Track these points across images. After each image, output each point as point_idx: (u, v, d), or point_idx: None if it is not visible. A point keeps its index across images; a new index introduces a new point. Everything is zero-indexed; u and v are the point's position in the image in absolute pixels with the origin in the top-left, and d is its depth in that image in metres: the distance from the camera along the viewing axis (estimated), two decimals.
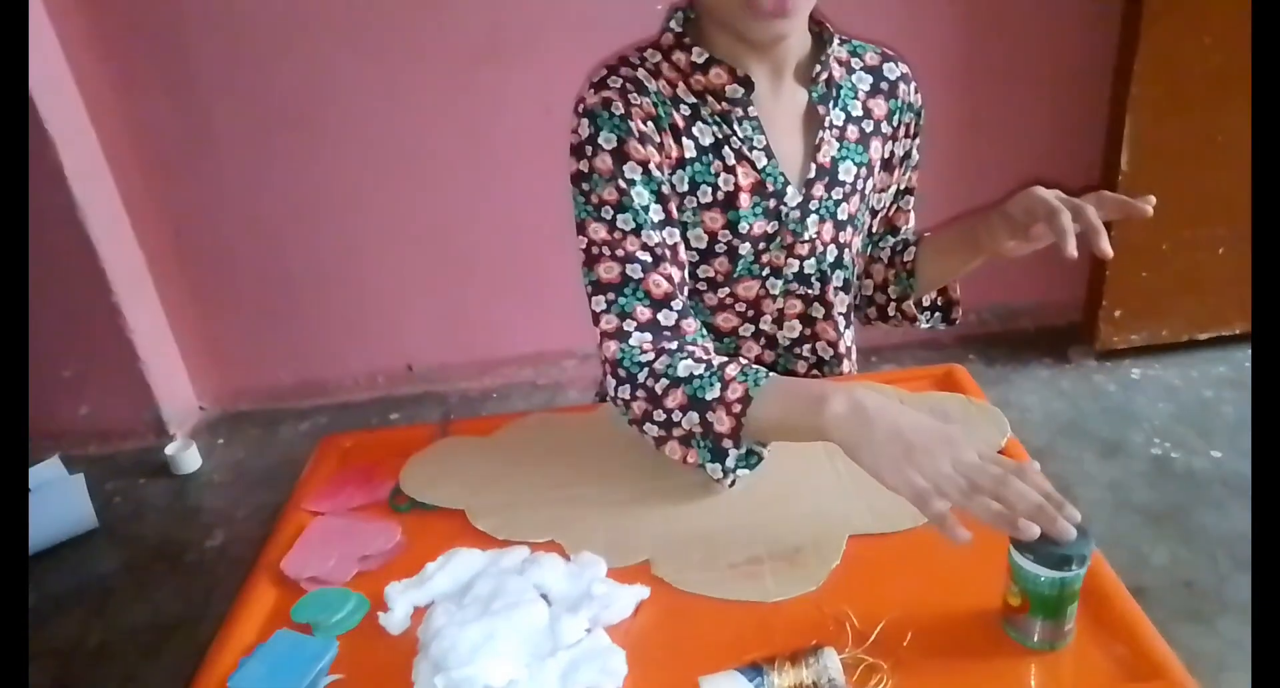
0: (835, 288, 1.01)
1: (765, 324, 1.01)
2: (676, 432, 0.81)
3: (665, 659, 0.67)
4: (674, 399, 0.80)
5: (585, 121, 0.87)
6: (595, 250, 0.86)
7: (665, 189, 0.88)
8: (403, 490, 0.88)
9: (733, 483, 0.83)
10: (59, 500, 1.98)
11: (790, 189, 0.92)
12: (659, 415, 0.81)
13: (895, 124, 1.00)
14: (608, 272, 0.86)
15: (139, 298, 2.21)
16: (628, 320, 0.85)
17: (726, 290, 0.96)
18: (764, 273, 0.96)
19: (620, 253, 0.85)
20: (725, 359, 0.83)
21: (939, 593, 0.70)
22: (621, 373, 0.84)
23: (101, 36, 2.03)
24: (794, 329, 1.02)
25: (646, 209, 0.86)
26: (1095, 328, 2.29)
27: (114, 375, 2.20)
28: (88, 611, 1.77)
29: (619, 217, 0.85)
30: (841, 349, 1.05)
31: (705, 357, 0.84)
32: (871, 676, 0.62)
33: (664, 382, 0.81)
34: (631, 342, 0.85)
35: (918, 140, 1.03)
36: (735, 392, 0.77)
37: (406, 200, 2.22)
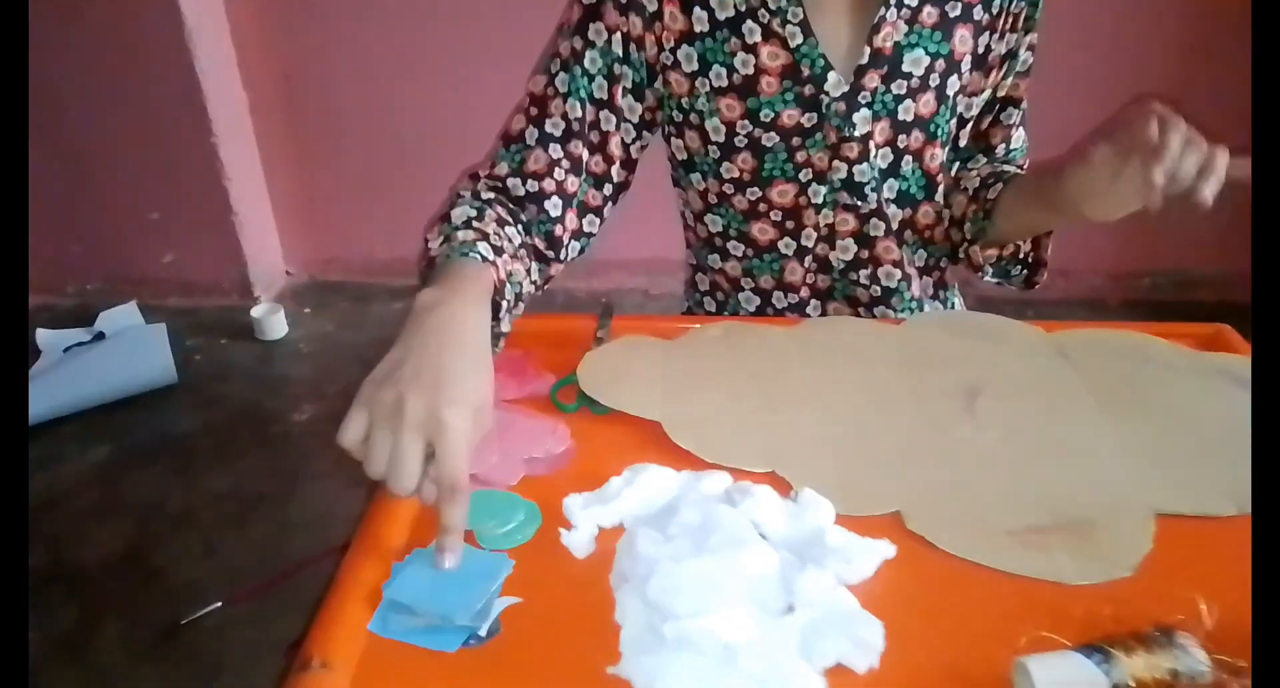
0: (888, 200, 0.90)
1: (809, 240, 0.92)
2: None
3: (921, 635, 0.56)
4: (435, 226, 0.79)
5: None
6: (524, 100, 0.86)
7: (619, 68, 0.84)
8: (581, 388, 0.77)
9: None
10: (138, 349, 1.98)
11: (833, 76, 0.82)
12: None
13: (995, 11, 0.85)
14: (516, 123, 0.86)
15: (238, 144, 2.14)
16: (491, 168, 0.85)
17: (757, 192, 0.89)
18: (803, 177, 0.88)
19: (536, 111, 0.85)
20: (486, 234, 0.75)
21: None
22: (450, 197, 0.84)
23: None
24: (848, 250, 0.92)
25: (590, 79, 0.84)
26: None
27: (204, 224, 2.16)
28: (166, 470, 1.76)
29: (561, 75, 0.84)
30: (909, 270, 0.94)
31: (489, 221, 0.78)
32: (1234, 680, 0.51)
33: (446, 207, 0.80)
34: (480, 189, 0.84)
35: (1030, 37, 0.88)
36: (437, 247, 0.74)
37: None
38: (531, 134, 0.84)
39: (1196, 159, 0.66)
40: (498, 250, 0.74)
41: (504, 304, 0.74)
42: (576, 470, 0.70)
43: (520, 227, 0.83)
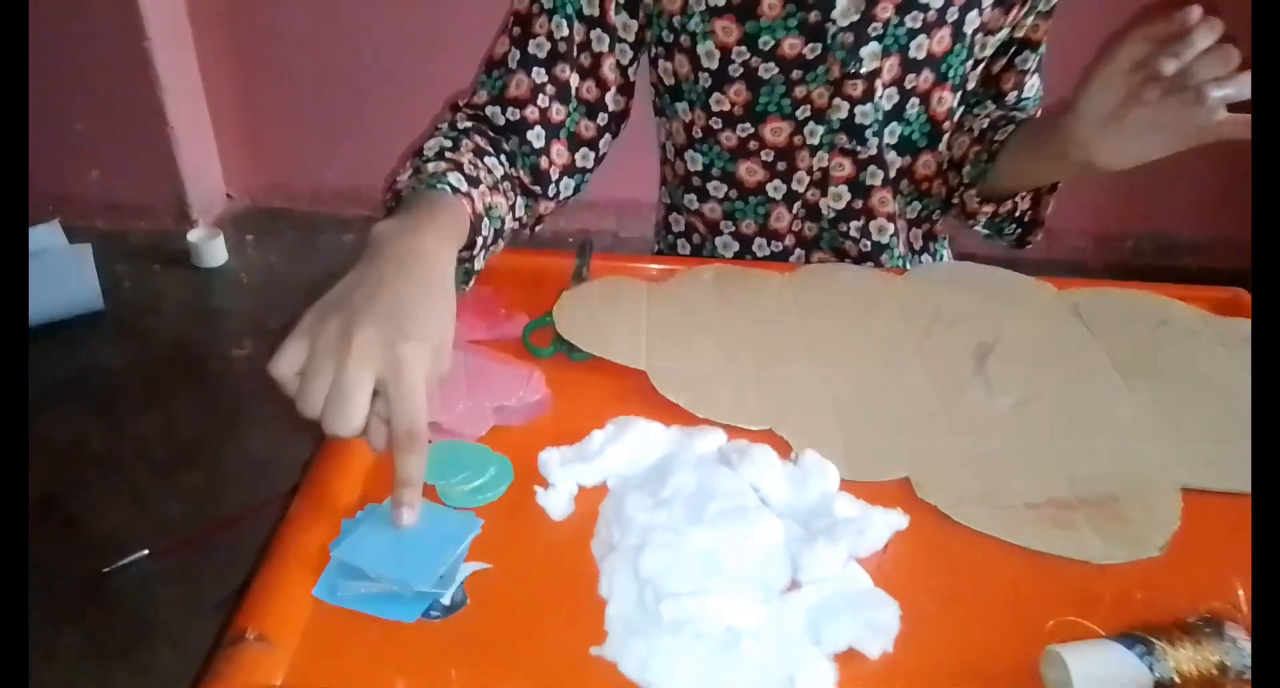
0: (888, 145, 0.84)
1: (799, 184, 0.86)
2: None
3: (937, 616, 0.52)
4: (407, 160, 0.73)
5: None
6: (508, 20, 0.80)
7: None
8: (557, 330, 0.71)
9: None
10: (59, 272, 1.86)
11: (843, 2, 0.76)
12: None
13: None
14: (500, 47, 0.80)
15: (175, 50, 2.00)
16: (471, 96, 0.80)
17: (749, 129, 0.83)
18: (800, 114, 0.82)
19: (519, 31, 0.79)
20: (460, 163, 0.69)
21: None
22: (429, 130, 0.77)
23: None
24: (840, 198, 0.87)
25: None
26: None
27: (135, 138, 2.02)
28: (88, 408, 1.67)
29: None
30: (900, 224, 0.90)
31: (465, 151, 0.72)
32: None
33: (421, 140, 0.74)
34: (458, 119, 0.78)
35: None
36: (405, 181, 0.68)
37: None
38: (514, 57, 0.78)
39: (1218, 63, 0.60)
40: (473, 181, 0.68)
41: (479, 240, 0.67)
42: (552, 422, 0.64)
43: (503, 157, 0.76)
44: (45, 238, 1.97)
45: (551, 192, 0.80)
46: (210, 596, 1.24)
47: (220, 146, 2.20)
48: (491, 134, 0.77)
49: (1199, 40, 0.60)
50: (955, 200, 0.88)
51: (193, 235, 2.03)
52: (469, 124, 0.76)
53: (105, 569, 1.32)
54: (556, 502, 0.57)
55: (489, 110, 0.78)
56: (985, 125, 0.84)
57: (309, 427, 0.51)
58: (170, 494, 1.49)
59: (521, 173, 0.78)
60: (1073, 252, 2.31)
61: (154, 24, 1.90)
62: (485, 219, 0.67)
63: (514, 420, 0.64)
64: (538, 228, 0.83)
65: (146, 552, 1.33)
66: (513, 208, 0.75)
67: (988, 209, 0.85)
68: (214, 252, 2.03)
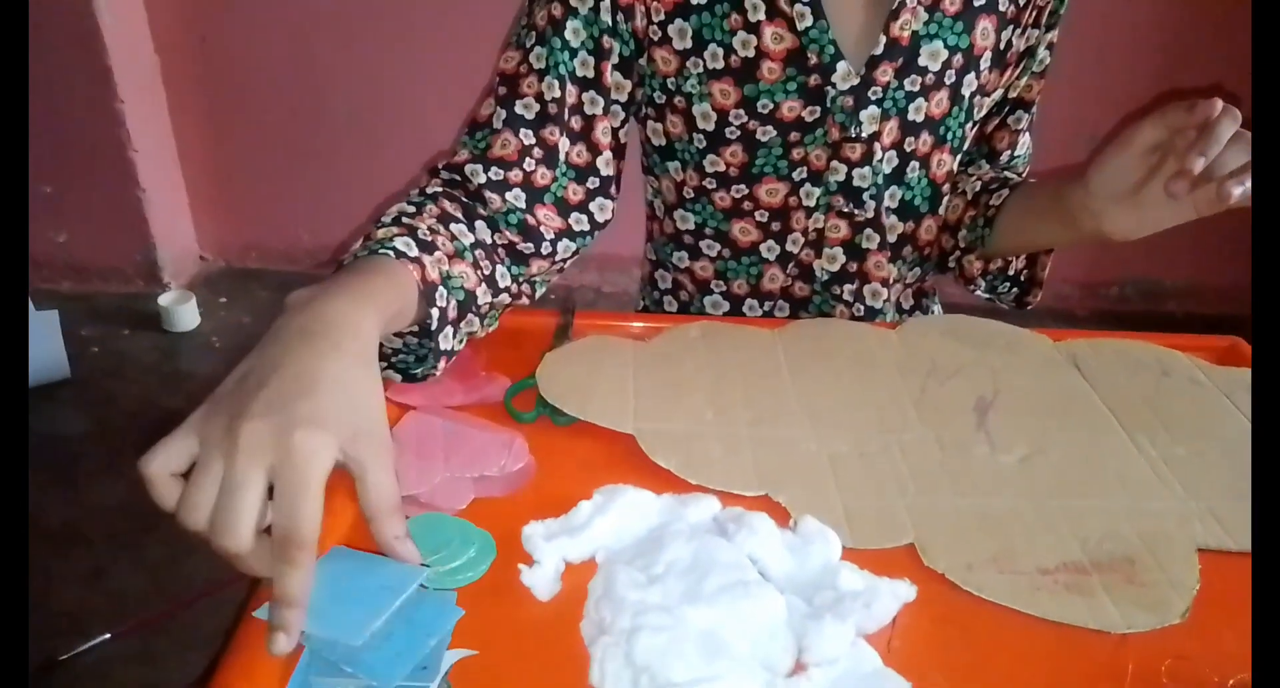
0: (888, 209, 0.84)
1: (794, 245, 0.86)
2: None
3: None
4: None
5: None
6: (493, 81, 0.77)
7: (608, 41, 0.76)
8: (541, 394, 0.69)
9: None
10: None
11: (843, 66, 0.76)
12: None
13: (1021, 3, 0.80)
14: (485, 108, 0.77)
15: (148, 111, 2.00)
16: (451, 157, 0.76)
17: (744, 190, 0.83)
18: (796, 176, 0.82)
19: (505, 91, 0.76)
20: (415, 228, 0.64)
21: None
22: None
23: None
24: (835, 260, 0.86)
25: (572, 53, 0.75)
26: None
27: (105, 200, 2.01)
28: (48, 478, 1.62)
29: (536, 49, 0.76)
30: (892, 294, 0.89)
31: (426, 216, 0.67)
32: None
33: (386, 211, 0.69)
34: (430, 183, 0.74)
35: (1051, 35, 0.83)
36: (355, 248, 0.63)
37: (476, 51, 1.98)
38: (499, 117, 0.75)
39: (1240, 153, 0.61)
40: (426, 246, 0.62)
41: (435, 312, 0.61)
42: (537, 492, 0.62)
43: (480, 223, 0.72)
44: None
45: (546, 249, 0.76)
46: (173, 678, 1.18)
47: (193, 207, 2.20)
48: (465, 200, 0.73)
49: (1223, 134, 0.61)
50: (951, 265, 0.88)
51: (164, 299, 2.01)
52: (439, 188, 0.73)
53: (62, 657, 1.26)
54: (542, 580, 0.54)
55: (468, 169, 0.73)
56: (978, 188, 0.85)
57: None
58: (132, 568, 1.44)
59: (509, 233, 0.74)
60: (1058, 299, 2.33)
61: (127, 84, 1.90)
62: (442, 288, 0.63)
63: (495, 491, 0.62)
64: (537, 293, 0.79)
65: (108, 636, 1.27)
66: (488, 279, 0.69)
67: (978, 266, 0.86)
68: (186, 315, 2.01)
